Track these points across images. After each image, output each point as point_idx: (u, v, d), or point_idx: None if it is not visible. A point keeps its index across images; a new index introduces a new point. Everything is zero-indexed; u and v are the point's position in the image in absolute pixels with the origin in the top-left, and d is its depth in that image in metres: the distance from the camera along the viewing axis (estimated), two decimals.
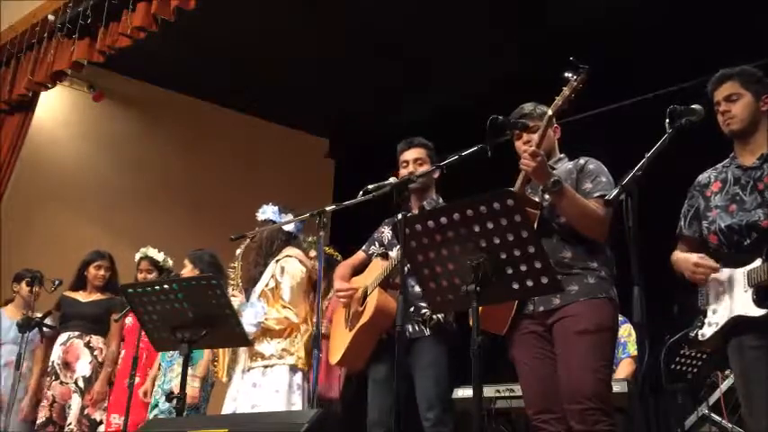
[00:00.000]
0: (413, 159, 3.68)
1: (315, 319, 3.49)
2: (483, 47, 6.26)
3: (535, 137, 2.90)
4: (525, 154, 2.81)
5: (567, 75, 2.78)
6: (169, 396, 3.32)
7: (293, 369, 4.01)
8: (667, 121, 2.57)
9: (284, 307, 4.03)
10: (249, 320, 3.95)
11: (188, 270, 4.75)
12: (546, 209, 2.93)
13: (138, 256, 5.37)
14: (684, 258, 2.82)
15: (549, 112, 2.85)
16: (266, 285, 4.10)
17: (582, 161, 3.05)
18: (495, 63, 6.35)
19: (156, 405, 4.57)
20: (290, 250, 4.20)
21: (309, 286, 4.20)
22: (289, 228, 4.23)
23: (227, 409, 4.00)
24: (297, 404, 3.91)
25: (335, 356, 3.75)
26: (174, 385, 4.48)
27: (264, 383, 3.96)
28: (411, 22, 6.07)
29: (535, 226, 2.77)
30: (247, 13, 5.98)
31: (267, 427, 2.50)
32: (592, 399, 2.70)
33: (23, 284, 5.59)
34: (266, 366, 3.99)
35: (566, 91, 2.79)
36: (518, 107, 3.13)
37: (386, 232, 3.86)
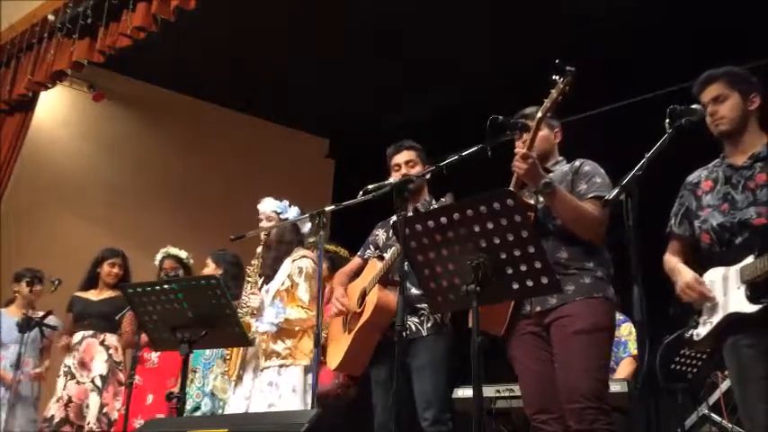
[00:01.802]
0: (404, 162, 3.69)
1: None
2: (483, 47, 6.27)
3: (527, 139, 2.90)
4: (516, 156, 2.82)
5: (553, 77, 2.78)
6: (169, 395, 3.31)
7: (306, 369, 4.01)
8: (667, 121, 2.57)
9: (302, 308, 4.03)
10: (269, 319, 3.95)
11: (211, 269, 4.77)
12: (541, 210, 2.94)
13: (159, 255, 5.36)
14: (680, 273, 2.81)
15: (539, 115, 2.86)
16: (281, 285, 4.09)
17: (577, 163, 3.05)
18: (495, 63, 6.36)
19: (198, 407, 4.57)
20: (302, 250, 4.20)
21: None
22: (304, 228, 4.23)
23: (237, 408, 3.98)
24: (309, 404, 3.90)
25: (334, 362, 3.73)
26: (214, 386, 4.50)
27: (281, 383, 3.95)
28: (411, 22, 6.08)
29: None
30: (247, 13, 5.98)
31: (267, 427, 2.50)
32: (589, 398, 2.71)
33: (23, 284, 5.58)
34: (281, 366, 3.99)
35: (553, 93, 2.81)
36: (520, 110, 3.13)
37: (380, 235, 3.85)
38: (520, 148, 2.89)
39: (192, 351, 3.21)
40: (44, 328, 5.32)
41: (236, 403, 4.02)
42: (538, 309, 2.89)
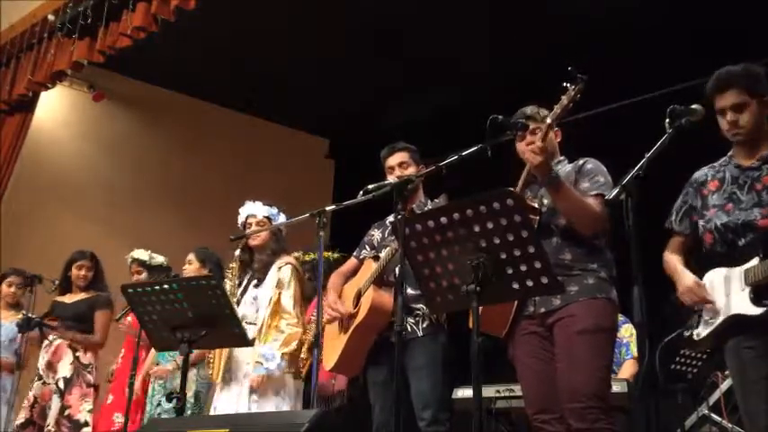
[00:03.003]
0: (398, 164, 3.69)
1: (315, 319, 3.50)
2: (483, 47, 6.27)
3: (538, 137, 2.89)
4: (534, 147, 2.80)
5: (565, 84, 2.74)
6: (169, 396, 3.31)
7: (296, 376, 4.08)
8: (667, 121, 2.56)
9: (286, 319, 4.04)
10: (271, 368, 3.92)
11: (195, 267, 4.77)
12: (545, 213, 2.94)
13: (129, 260, 5.42)
14: (680, 276, 2.80)
15: (548, 121, 2.83)
16: (273, 296, 4.10)
17: (580, 162, 3.06)
18: (496, 63, 6.35)
19: (159, 404, 4.57)
20: (286, 257, 4.23)
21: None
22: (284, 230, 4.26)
23: (223, 412, 3.99)
24: (298, 408, 3.94)
25: (329, 363, 3.72)
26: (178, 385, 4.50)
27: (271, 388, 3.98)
28: (411, 22, 6.08)
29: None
30: (247, 13, 5.98)
31: (267, 428, 2.50)
32: (591, 398, 2.71)
33: (4, 285, 5.56)
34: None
35: (564, 100, 2.77)
36: (519, 110, 3.12)
37: (375, 235, 3.86)
38: (530, 145, 2.85)
39: (191, 351, 3.21)
40: (44, 328, 5.31)
41: (222, 407, 4.03)
42: (542, 310, 2.89)
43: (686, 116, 2.56)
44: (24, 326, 5.13)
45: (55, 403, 5.01)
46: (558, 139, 3.17)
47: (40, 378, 5.15)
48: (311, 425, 2.25)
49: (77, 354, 5.17)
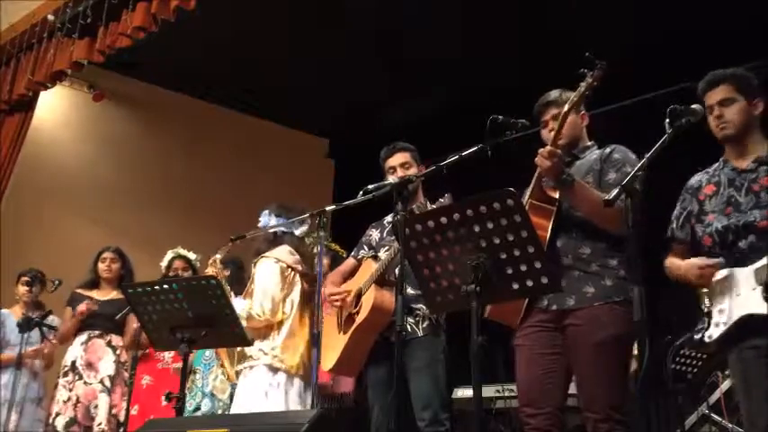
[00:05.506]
0: (399, 164, 3.67)
1: (314, 318, 3.50)
2: (482, 47, 6.26)
3: (553, 127, 2.86)
4: (542, 151, 2.78)
5: (582, 70, 2.72)
6: (168, 396, 3.31)
7: (271, 369, 3.92)
8: (667, 121, 2.56)
9: (251, 308, 4.00)
10: None
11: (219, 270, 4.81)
12: (564, 204, 2.89)
13: (169, 255, 5.40)
14: (688, 267, 2.77)
15: (565, 108, 2.81)
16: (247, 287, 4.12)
17: (608, 150, 2.99)
18: (495, 63, 6.35)
19: (199, 408, 4.59)
20: (272, 251, 4.15)
21: (293, 282, 4.12)
22: (297, 231, 4.22)
23: (234, 410, 4.01)
24: (277, 405, 3.84)
25: (328, 363, 3.71)
26: (214, 387, 4.50)
27: (246, 383, 3.96)
28: (411, 22, 6.07)
29: (552, 221, 2.79)
30: (247, 13, 5.98)
31: (267, 428, 2.50)
32: (608, 410, 2.71)
33: (19, 285, 5.57)
34: (250, 367, 3.98)
35: (581, 87, 2.75)
36: (544, 94, 3.07)
37: (373, 235, 3.85)
38: (553, 129, 2.81)
39: (191, 351, 3.21)
40: (44, 328, 5.31)
41: (238, 402, 4.04)
42: (554, 307, 2.85)
43: (686, 116, 2.56)
44: (24, 326, 5.13)
45: (104, 402, 5.05)
46: (585, 123, 3.09)
47: (80, 377, 5.12)
48: (311, 425, 2.25)
49: (117, 352, 5.22)
